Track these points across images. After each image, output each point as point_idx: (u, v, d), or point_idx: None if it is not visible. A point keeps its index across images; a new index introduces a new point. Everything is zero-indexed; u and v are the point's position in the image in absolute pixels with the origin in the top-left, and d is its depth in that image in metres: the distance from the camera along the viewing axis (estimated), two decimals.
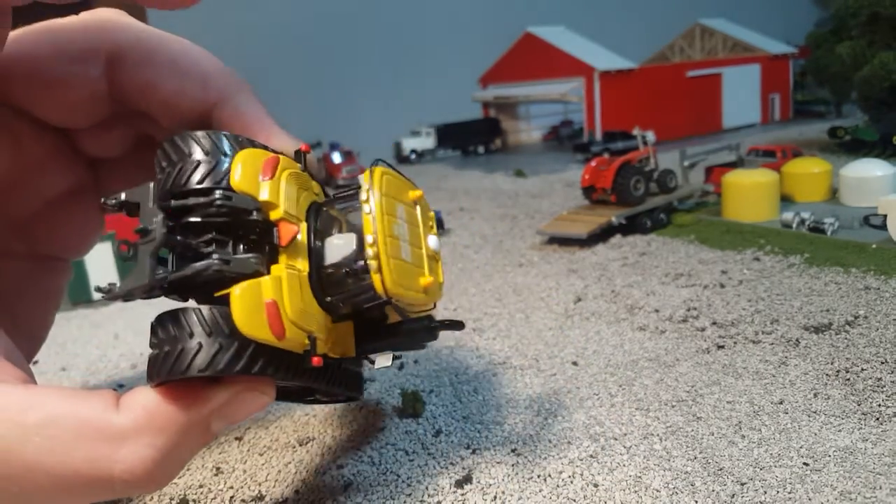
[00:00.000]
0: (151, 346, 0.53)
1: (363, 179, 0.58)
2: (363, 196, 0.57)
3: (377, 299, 0.57)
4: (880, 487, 0.65)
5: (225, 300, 0.51)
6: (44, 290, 0.75)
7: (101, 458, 0.48)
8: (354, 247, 0.57)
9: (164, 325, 0.53)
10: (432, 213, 0.67)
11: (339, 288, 0.58)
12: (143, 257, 0.50)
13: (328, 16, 4.37)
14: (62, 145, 0.68)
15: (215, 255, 0.51)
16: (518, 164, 3.21)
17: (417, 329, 0.65)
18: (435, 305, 0.65)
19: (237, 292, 0.50)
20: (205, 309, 0.52)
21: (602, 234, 1.70)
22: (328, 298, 0.58)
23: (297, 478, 0.76)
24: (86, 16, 0.64)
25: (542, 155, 3.71)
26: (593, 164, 1.88)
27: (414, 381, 0.98)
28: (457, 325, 0.67)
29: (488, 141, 3.98)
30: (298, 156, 0.63)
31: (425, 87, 4.41)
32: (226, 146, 0.55)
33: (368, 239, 0.55)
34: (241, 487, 0.75)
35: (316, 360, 0.55)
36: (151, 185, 0.52)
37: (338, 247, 0.58)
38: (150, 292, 0.53)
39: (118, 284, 0.51)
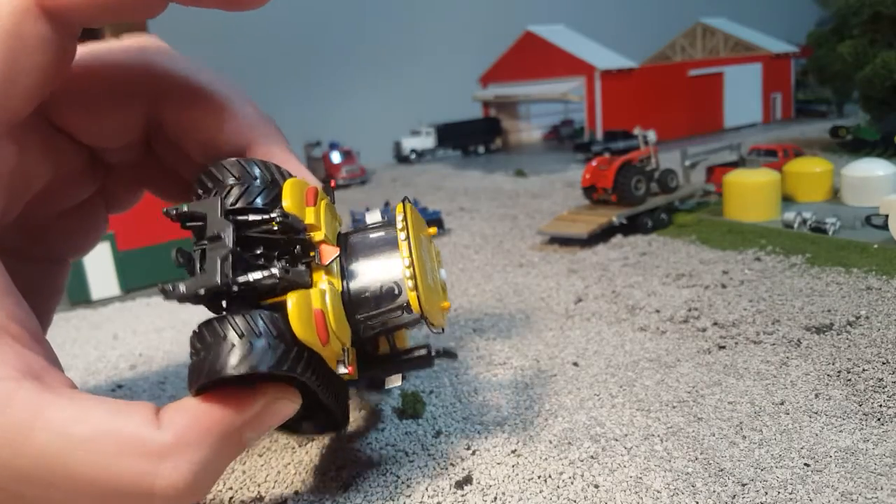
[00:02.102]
0: (196, 351, 0.56)
1: (397, 211, 0.65)
2: (399, 224, 0.63)
3: (405, 318, 0.64)
4: (881, 488, 0.65)
5: (270, 306, 0.57)
6: (51, 289, 0.77)
7: (144, 474, 0.50)
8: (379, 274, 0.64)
9: (212, 330, 0.56)
10: (438, 249, 0.73)
11: (368, 308, 0.64)
12: (212, 260, 0.53)
13: (328, 14, 4.36)
14: (92, 160, 0.70)
15: (277, 266, 0.56)
16: (518, 164, 3.21)
17: (418, 357, 0.71)
18: (443, 330, 0.72)
19: (292, 300, 0.55)
20: (259, 312, 0.56)
21: (603, 234, 1.69)
22: (358, 317, 0.64)
23: (297, 479, 0.76)
24: (133, 46, 0.66)
25: (542, 154, 3.70)
26: (594, 163, 1.88)
27: (414, 381, 0.98)
28: (451, 355, 0.74)
29: (488, 140, 3.97)
30: (328, 189, 0.69)
31: (425, 87, 4.40)
32: (256, 172, 0.61)
33: (405, 261, 0.62)
34: (241, 489, 0.75)
35: (350, 370, 0.62)
36: (218, 199, 0.56)
37: (365, 271, 0.64)
38: (209, 296, 0.55)
39: (181, 284, 0.54)
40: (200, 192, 0.61)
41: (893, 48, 2.52)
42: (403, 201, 0.67)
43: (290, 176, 0.64)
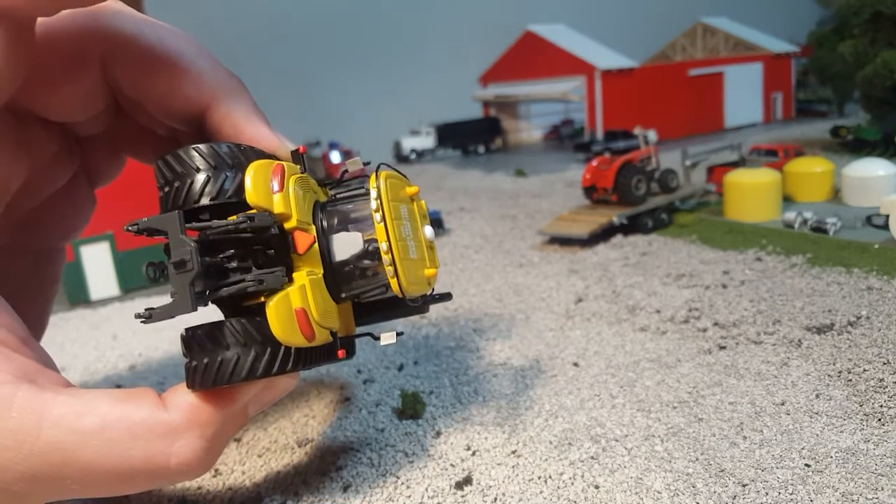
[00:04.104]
0: (187, 357, 0.58)
1: (370, 185, 0.61)
2: (373, 205, 0.60)
3: (387, 295, 0.63)
4: (882, 489, 0.65)
5: (252, 309, 0.57)
6: (48, 279, 0.77)
7: (159, 454, 0.53)
8: (361, 245, 0.62)
9: (199, 339, 0.57)
10: (423, 202, 0.70)
11: (351, 284, 0.63)
12: (181, 287, 0.52)
13: (328, 14, 4.36)
14: (66, 140, 0.68)
15: (249, 276, 0.55)
16: (518, 164, 3.21)
17: (412, 305, 0.68)
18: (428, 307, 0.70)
19: (271, 305, 0.55)
20: (237, 321, 0.57)
21: (603, 234, 1.69)
22: (343, 294, 0.62)
23: (296, 479, 0.76)
24: (82, 11, 0.63)
25: (542, 154, 3.70)
26: (594, 163, 1.88)
27: (414, 382, 0.98)
28: (445, 296, 0.71)
29: (489, 140, 3.97)
30: (297, 157, 0.65)
31: (425, 87, 4.40)
32: (226, 159, 0.58)
33: (383, 247, 0.59)
34: (240, 489, 0.75)
35: (341, 354, 0.62)
36: (177, 213, 0.53)
37: (346, 244, 0.62)
38: None
39: (157, 309, 0.54)
40: (168, 176, 0.58)
41: (894, 48, 2.51)
42: (377, 171, 0.63)
43: (255, 154, 0.61)
